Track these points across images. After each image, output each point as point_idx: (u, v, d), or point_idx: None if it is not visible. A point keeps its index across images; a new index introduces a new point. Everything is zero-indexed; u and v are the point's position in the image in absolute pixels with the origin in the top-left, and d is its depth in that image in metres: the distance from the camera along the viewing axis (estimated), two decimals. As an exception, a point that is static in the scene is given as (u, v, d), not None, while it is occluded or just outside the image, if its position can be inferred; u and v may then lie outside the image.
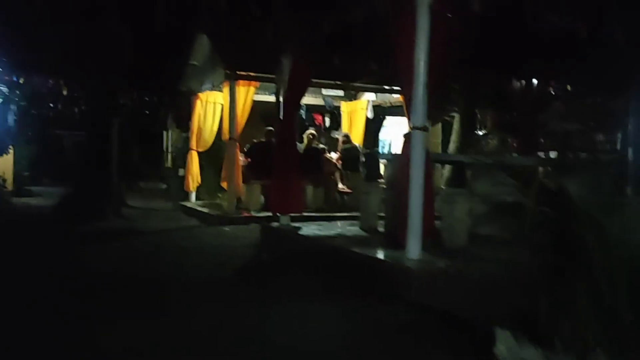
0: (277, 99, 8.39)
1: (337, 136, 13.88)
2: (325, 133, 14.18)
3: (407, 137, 5.04)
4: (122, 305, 4.70)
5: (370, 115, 13.16)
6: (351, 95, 12.98)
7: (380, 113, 13.87)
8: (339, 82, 10.92)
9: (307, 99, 12.87)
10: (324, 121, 14.59)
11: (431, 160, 5.46)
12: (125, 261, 6.69)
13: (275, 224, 7.51)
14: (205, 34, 10.71)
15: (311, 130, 12.13)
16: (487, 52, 6.86)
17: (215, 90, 11.14)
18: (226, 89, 10.14)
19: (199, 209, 10.86)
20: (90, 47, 9.70)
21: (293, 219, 7.48)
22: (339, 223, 7.95)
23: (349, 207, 10.81)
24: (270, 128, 11.12)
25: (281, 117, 7.59)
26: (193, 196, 12.29)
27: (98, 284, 5.41)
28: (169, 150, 18.84)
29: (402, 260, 4.91)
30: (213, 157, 12.64)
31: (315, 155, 11.12)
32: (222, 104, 11.80)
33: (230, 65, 9.70)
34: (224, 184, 10.12)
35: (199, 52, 11.14)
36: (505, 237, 5.93)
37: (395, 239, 5.72)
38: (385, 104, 13.11)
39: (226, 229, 9.08)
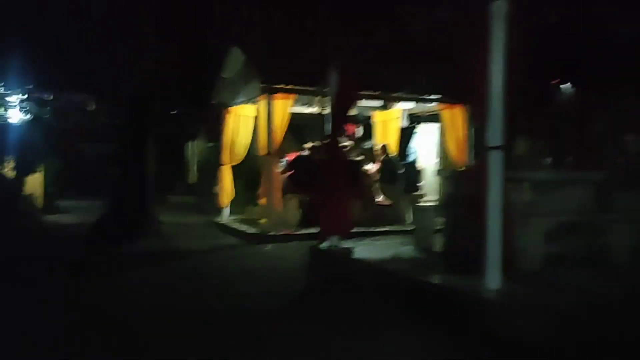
0: (321, 112, 8.10)
1: (369, 147, 13.57)
2: (357, 143, 13.85)
3: (482, 156, 4.69)
4: (172, 346, 4.37)
5: (404, 124, 12.85)
6: (385, 105, 12.66)
7: (413, 121, 13.55)
8: (384, 94, 10.61)
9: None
10: (356, 132, 14.26)
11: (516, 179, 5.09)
12: (169, 290, 6.34)
13: (324, 245, 7.18)
14: (238, 46, 10.46)
15: (348, 142, 11.86)
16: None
17: (249, 103, 10.86)
18: (262, 102, 9.88)
19: (236, 226, 10.57)
20: (123, 59, 9.48)
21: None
22: (389, 241, 7.61)
23: (389, 220, 10.50)
24: (315, 144, 10.79)
25: (329, 131, 7.27)
26: (226, 211, 12.03)
27: (140, 318, 5.09)
28: (194, 161, 18.73)
29: (481, 291, 4.56)
30: (245, 171, 12.41)
31: (353, 168, 10.81)
32: (254, 117, 11.59)
33: (267, 78, 9.42)
34: (262, 200, 9.82)
35: (232, 64, 10.88)
36: (578, 257, 5.62)
37: (459, 262, 5.39)
38: (422, 113, 12.76)
39: (267, 247, 8.79)
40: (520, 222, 5.19)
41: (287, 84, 9.41)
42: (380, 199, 10.73)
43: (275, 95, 9.54)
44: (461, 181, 5.97)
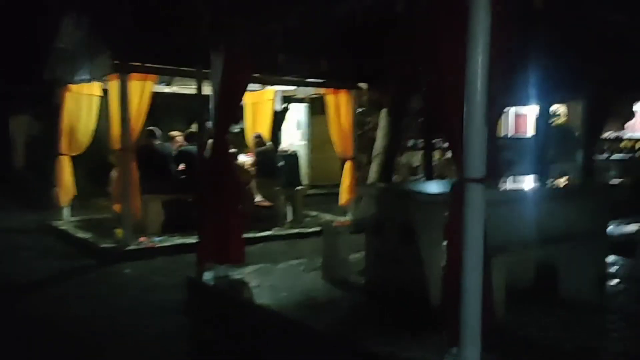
0: (200, 96, 6.41)
1: (236, 131, 12.02)
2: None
3: (455, 189, 3.43)
4: None
5: (278, 107, 11.46)
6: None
7: (286, 102, 12.23)
8: (272, 77, 9.06)
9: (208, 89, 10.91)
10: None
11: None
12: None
13: (208, 277, 5.60)
14: (78, 9, 8.27)
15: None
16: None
17: (95, 82, 8.73)
18: (113, 83, 7.87)
19: (81, 234, 8.50)
20: None
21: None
22: (288, 265, 6.21)
23: (268, 223, 9.15)
24: (151, 128, 9.00)
25: (212, 124, 5.67)
26: (66, 212, 9.84)
27: None
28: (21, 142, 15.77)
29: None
30: (90, 164, 10.32)
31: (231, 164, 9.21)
32: (99, 97, 9.49)
33: (120, 53, 7.43)
34: (117, 207, 7.89)
35: (71, 32, 8.65)
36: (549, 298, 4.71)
37: (408, 314, 4.23)
38: (304, 96, 11.47)
39: (127, 270, 6.97)
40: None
41: (148, 62, 7.52)
42: (258, 198, 9.28)
43: (132, 75, 7.60)
44: (398, 204, 4.74)
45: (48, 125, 10.48)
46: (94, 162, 10.95)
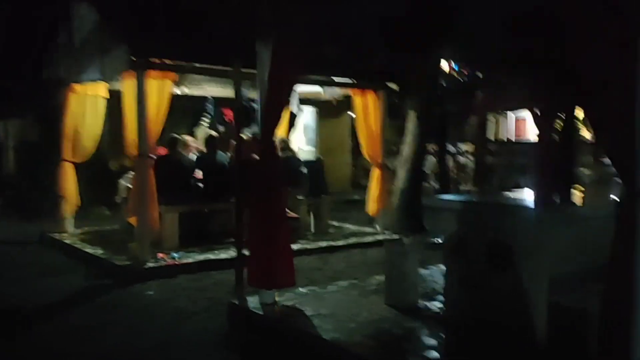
0: (238, 99, 5.69)
1: (249, 135, 11.27)
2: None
3: (625, 204, 2.73)
4: None
5: (295, 110, 10.71)
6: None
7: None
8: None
9: (216, 90, 10.19)
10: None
11: None
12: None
13: (253, 304, 4.85)
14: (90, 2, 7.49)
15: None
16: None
17: (106, 81, 7.93)
18: (128, 82, 7.09)
19: (91, 250, 7.68)
20: None
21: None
22: (341, 287, 5.48)
23: (296, 235, 8.39)
24: (176, 135, 8.32)
25: (258, 130, 4.96)
26: (69, 223, 9.02)
27: None
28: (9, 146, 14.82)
29: None
30: (95, 172, 9.56)
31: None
32: (105, 98, 8.73)
33: (141, 49, 6.65)
34: (132, 219, 7.09)
35: (79, 26, 7.85)
36: None
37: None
38: (323, 97, 10.78)
39: (150, 292, 6.18)
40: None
41: (173, 59, 6.75)
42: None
43: (151, 72, 6.83)
44: (491, 220, 4.03)
45: (46, 129, 9.66)
46: (95, 168, 10.20)
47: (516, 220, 3.94)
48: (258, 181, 4.82)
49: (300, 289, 5.32)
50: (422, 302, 4.79)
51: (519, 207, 4.26)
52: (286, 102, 5.06)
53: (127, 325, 5.16)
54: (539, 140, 4.68)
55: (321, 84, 9.31)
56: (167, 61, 6.86)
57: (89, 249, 7.71)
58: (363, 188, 10.51)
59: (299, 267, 6.88)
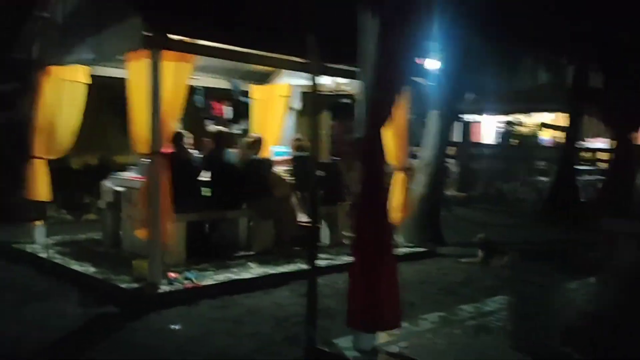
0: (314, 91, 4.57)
1: (239, 132, 10.12)
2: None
3: None
4: None
5: (297, 105, 9.63)
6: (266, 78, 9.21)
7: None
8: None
9: (206, 81, 8.97)
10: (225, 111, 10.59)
11: None
12: None
13: (344, 346, 3.77)
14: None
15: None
16: None
17: (104, 62, 6.59)
18: (135, 64, 5.79)
19: (78, 268, 6.29)
20: None
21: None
22: (455, 321, 4.47)
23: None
24: (178, 130, 7.08)
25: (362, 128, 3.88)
26: (40, 231, 7.57)
27: None
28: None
29: None
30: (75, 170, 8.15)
31: (257, 171, 7.33)
32: (85, 84, 7.36)
33: (158, 20, 5.38)
34: (142, 233, 5.79)
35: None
36: None
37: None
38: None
39: (174, 327, 4.93)
40: None
41: (207, 38, 5.52)
42: (302, 217, 7.43)
43: (169, 53, 5.57)
44: None
45: (13, 120, 8.15)
46: (54, 166, 8.71)
47: None
48: (363, 188, 3.79)
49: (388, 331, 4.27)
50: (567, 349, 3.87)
51: None
52: (399, 88, 3.97)
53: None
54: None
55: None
56: (193, 40, 5.62)
57: (76, 266, 6.34)
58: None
59: (332, 286, 5.88)
